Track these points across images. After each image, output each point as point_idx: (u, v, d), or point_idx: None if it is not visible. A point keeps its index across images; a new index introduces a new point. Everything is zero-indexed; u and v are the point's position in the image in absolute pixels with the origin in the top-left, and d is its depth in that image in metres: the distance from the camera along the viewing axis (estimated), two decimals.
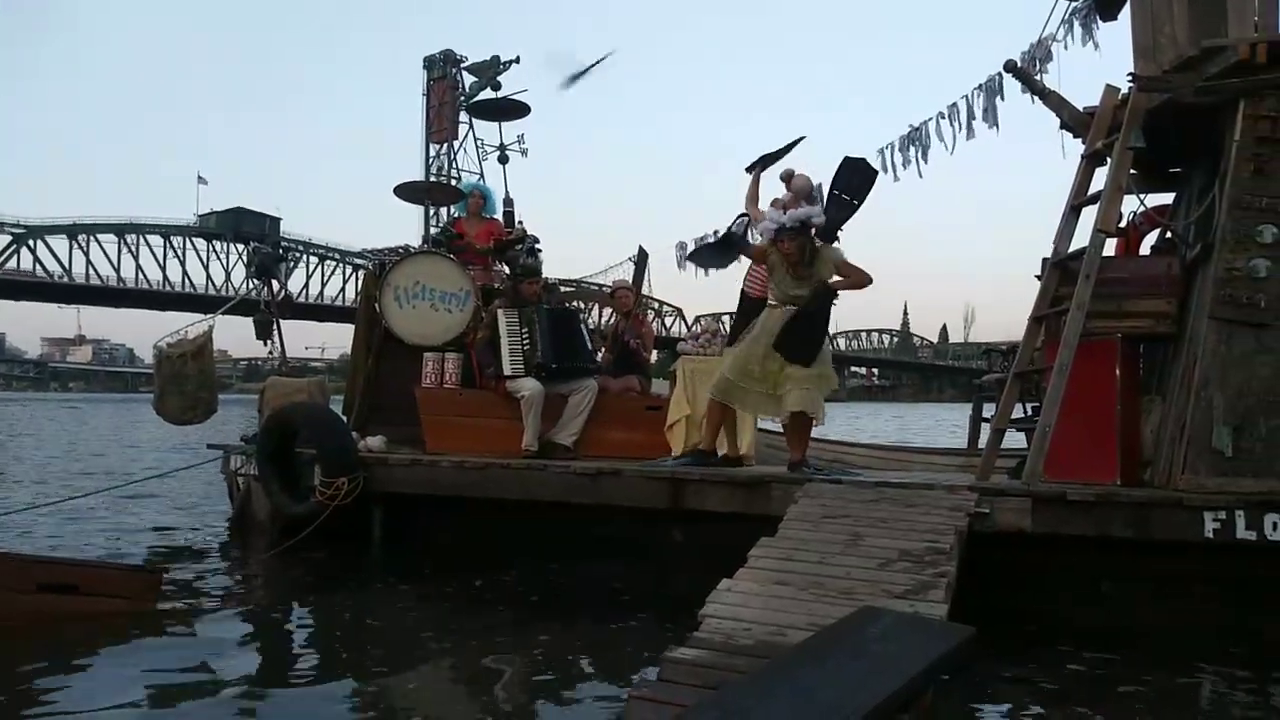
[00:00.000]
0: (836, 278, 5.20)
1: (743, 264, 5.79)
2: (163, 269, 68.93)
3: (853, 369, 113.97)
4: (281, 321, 7.89)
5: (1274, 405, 4.45)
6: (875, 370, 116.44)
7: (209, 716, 3.33)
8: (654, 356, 8.27)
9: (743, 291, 5.80)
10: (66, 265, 65.77)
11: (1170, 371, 5.00)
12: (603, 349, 7.33)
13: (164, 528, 7.31)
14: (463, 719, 3.45)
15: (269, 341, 7.57)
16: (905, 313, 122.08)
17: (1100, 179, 5.09)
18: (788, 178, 5.56)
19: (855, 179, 5.78)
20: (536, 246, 7.54)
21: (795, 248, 5.07)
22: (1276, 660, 3.99)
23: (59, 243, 65.40)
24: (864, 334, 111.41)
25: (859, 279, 5.21)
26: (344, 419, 6.65)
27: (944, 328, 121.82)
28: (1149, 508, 4.38)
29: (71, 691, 3.49)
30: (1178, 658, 3.98)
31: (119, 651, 3.98)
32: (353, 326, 7.48)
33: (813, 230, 5.14)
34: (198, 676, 3.73)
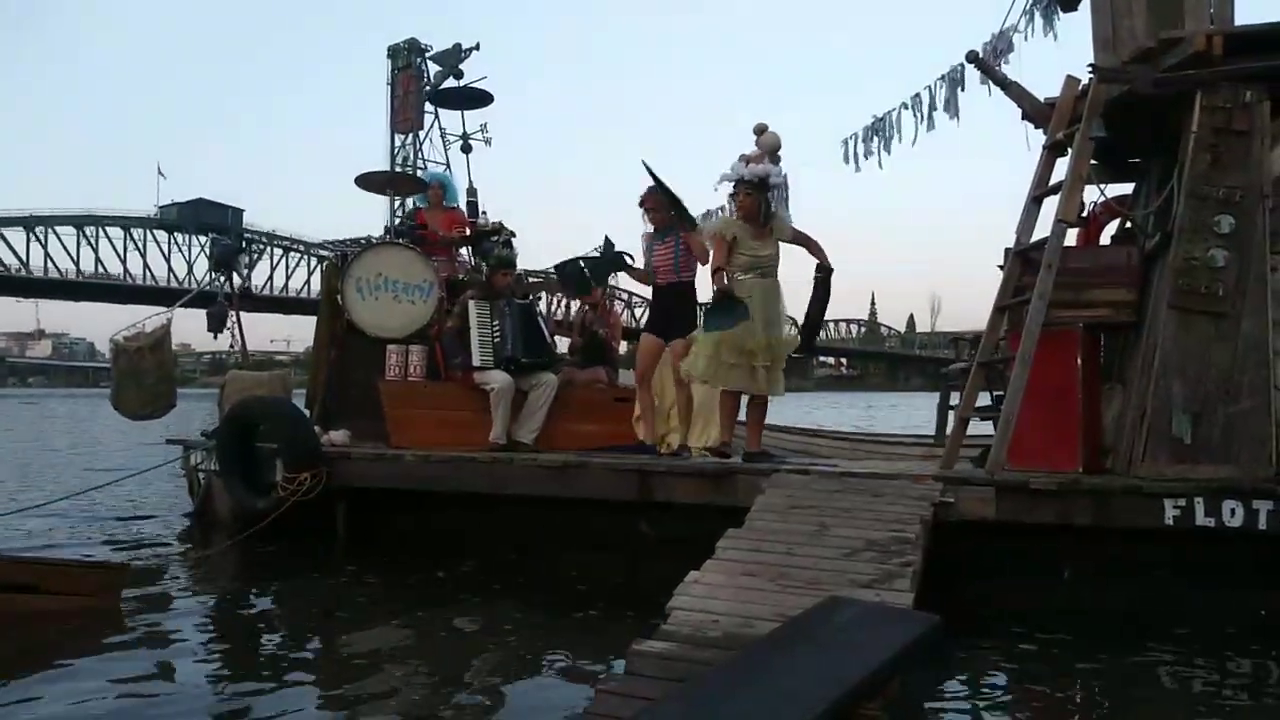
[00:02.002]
0: (797, 246, 5.41)
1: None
2: (123, 262, 67.69)
3: (821, 359, 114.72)
4: (243, 314, 7.79)
5: (1232, 393, 4.52)
6: (844, 360, 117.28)
7: (174, 715, 3.27)
8: (623, 347, 8.25)
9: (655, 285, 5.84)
10: (24, 258, 64.46)
11: (1130, 360, 5.06)
12: (569, 339, 7.29)
13: (124, 524, 7.17)
14: (429, 713, 3.41)
15: (220, 334, 7.46)
16: (873, 302, 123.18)
17: (1061, 169, 5.14)
18: (760, 131, 5.57)
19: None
20: (512, 238, 7.50)
21: (751, 203, 5.24)
22: (1233, 643, 4.06)
23: (16, 235, 64.02)
24: (832, 324, 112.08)
25: (817, 243, 5.43)
26: (306, 413, 6.57)
27: (911, 317, 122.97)
28: (1110, 495, 4.43)
29: (34, 691, 3.42)
30: (1137, 642, 4.04)
31: (81, 650, 3.90)
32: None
33: (769, 191, 5.31)
34: (162, 674, 3.68)
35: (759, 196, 5.26)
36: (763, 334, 5.19)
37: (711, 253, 5.36)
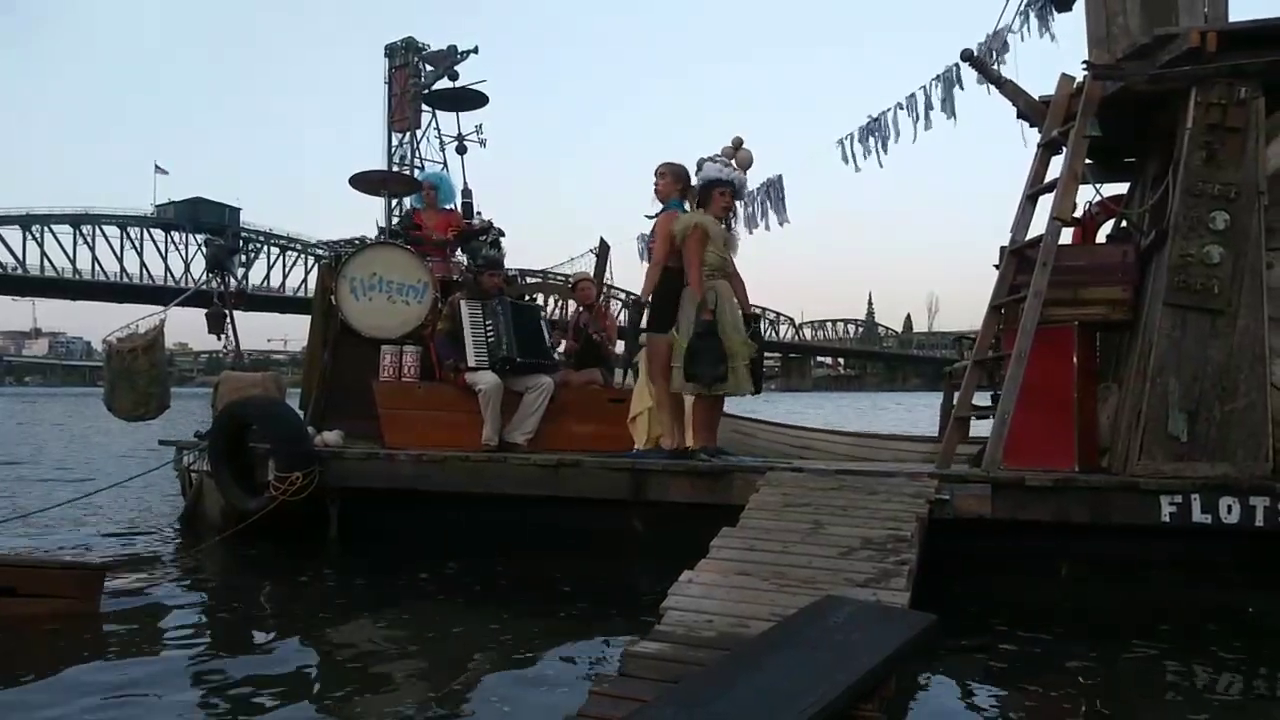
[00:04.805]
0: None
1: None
2: (120, 261, 67.75)
3: (819, 359, 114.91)
4: (236, 314, 7.76)
5: (1228, 391, 4.51)
6: (841, 360, 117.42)
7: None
8: (618, 348, 8.24)
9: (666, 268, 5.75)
10: (20, 257, 64.44)
11: (1126, 358, 5.05)
12: (564, 341, 7.27)
13: (112, 524, 7.12)
14: (420, 714, 3.40)
15: (221, 335, 7.43)
16: (870, 302, 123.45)
17: (1056, 167, 5.13)
18: (737, 145, 5.63)
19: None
20: (500, 238, 7.46)
21: (728, 204, 5.45)
22: (1227, 640, 4.05)
23: (12, 234, 64.15)
24: (829, 324, 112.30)
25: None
26: (298, 413, 6.54)
27: (908, 317, 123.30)
28: (1106, 492, 4.43)
29: (8, 699, 3.37)
30: (1133, 639, 4.03)
31: (59, 654, 3.84)
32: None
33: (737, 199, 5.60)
34: (142, 678, 3.61)
35: (732, 202, 5.42)
36: (733, 334, 5.22)
37: (688, 244, 5.29)
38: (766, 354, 5.68)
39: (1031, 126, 5.56)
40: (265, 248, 71.17)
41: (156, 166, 74.04)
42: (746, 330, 5.37)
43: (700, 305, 5.18)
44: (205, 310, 7.56)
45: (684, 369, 5.18)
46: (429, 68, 57.39)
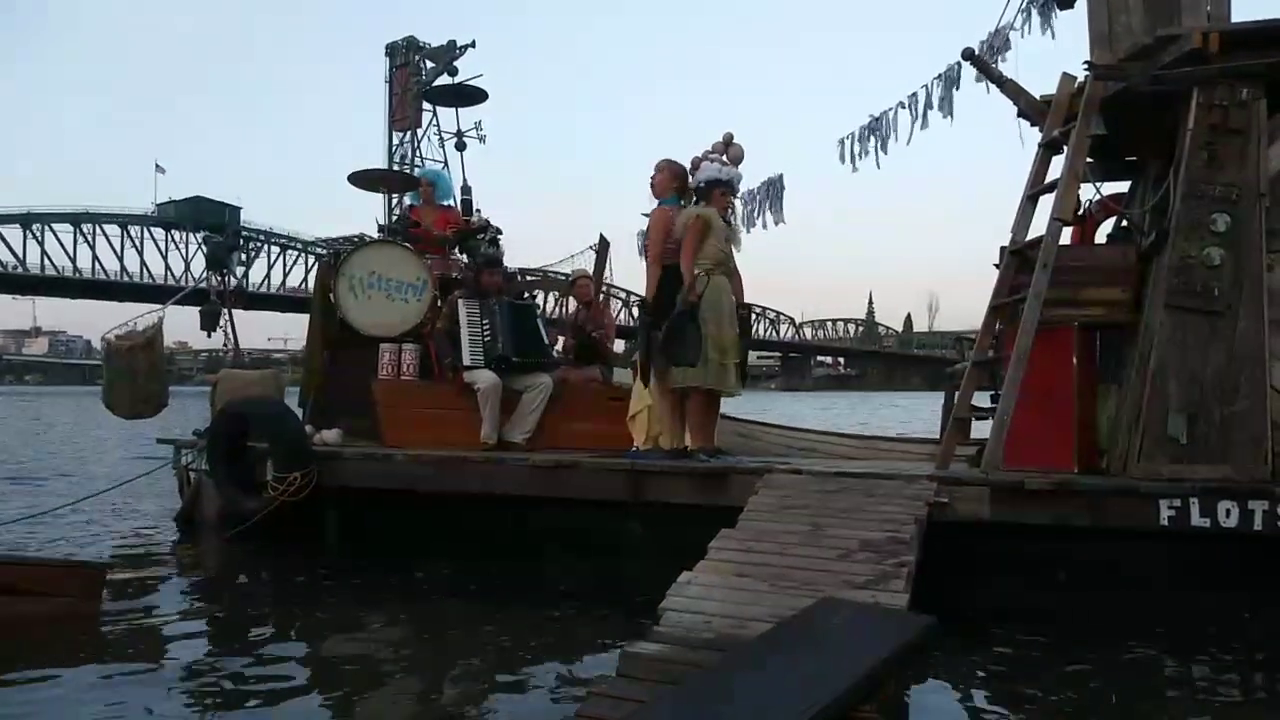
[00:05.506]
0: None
1: None
2: (120, 259, 67.66)
3: (819, 358, 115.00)
4: (235, 312, 7.76)
5: (1228, 393, 4.49)
6: (841, 360, 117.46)
7: None
8: (620, 346, 8.23)
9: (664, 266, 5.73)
10: (20, 255, 64.37)
11: (1126, 360, 5.03)
12: (562, 340, 7.27)
13: (111, 523, 7.12)
14: (418, 714, 3.39)
15: (213, 333, 7.43)
16: (870, 302, 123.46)
17: (1057, 167, 5.12)
18: (728, 141, 5.62)
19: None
20: (499, 236, 7.45)
21: (727, 203, 5.50)
22: (1225, 644, 4.04)
23: (12, 232, 63.97)
24: (829, 324, 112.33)
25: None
26: (296, 412, 6.53)
27: (908, 317, 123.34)
28: (1105, 496, 4.41)
29: (8, 699, 3.37)
30: (1131, 643, 4.02)
31: (59, 654, 3.84)
32: None
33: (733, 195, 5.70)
34: (144, 678, 3.62)
35: (732, 200, 5.47)
36: (727, 330, 5.22)
37: (687, 234, 5.27)
38: (766, 353, 5.70)
39: (1032, 126, 5.54)
40: (265, 246, 71.08)
41: (156, 165, 74.09)
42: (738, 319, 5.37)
43: (687, 289, 5.16)
44: (200, 307, 7.55)
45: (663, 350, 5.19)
46: (430, 64, 57.51)
